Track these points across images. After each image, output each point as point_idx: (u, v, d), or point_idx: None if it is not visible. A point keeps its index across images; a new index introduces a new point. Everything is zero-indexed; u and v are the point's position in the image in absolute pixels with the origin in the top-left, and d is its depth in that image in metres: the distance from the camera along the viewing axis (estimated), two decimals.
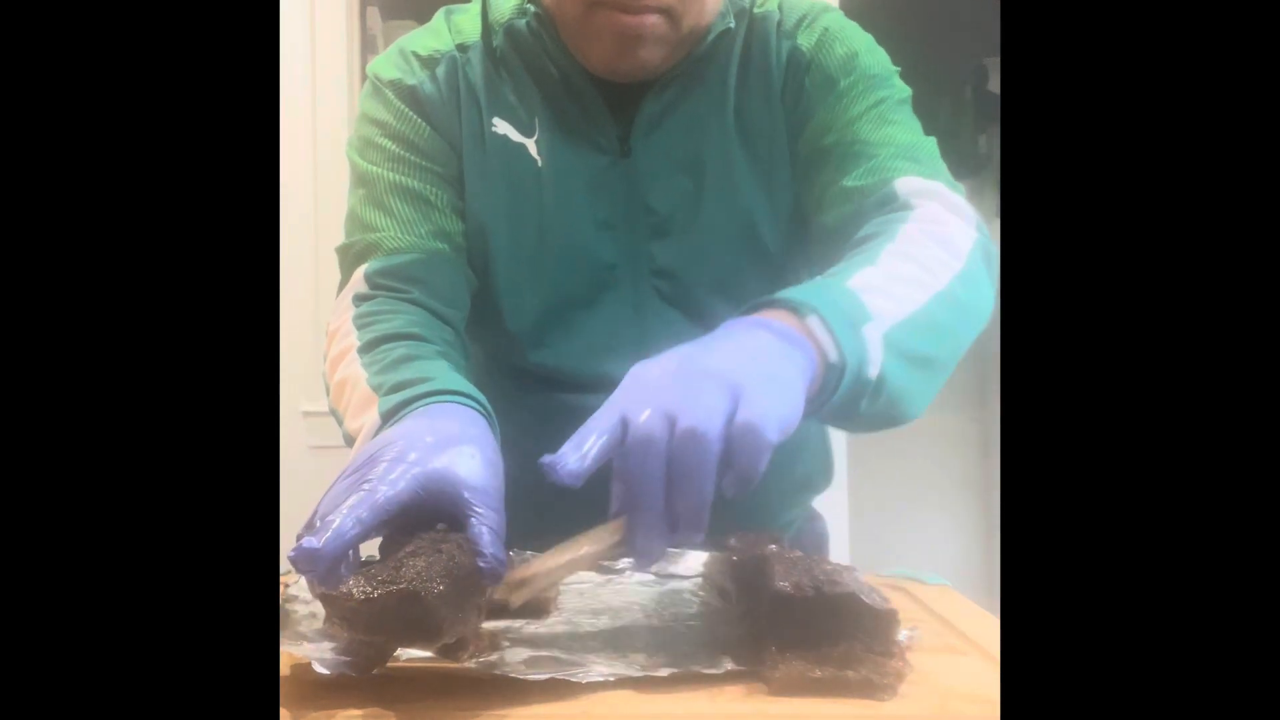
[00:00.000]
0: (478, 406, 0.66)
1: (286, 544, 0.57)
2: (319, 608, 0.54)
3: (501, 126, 0.84)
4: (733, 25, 0.84)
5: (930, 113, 2.84)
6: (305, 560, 0.50)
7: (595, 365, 0.84)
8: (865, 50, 0.84)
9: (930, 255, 0.69)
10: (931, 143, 0.82)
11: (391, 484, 0.54)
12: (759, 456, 0.53)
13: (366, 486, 0.54)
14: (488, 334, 0.89)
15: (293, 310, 1.89)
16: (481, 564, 0.52)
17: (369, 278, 0.81)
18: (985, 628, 0.62)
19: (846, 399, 0.61)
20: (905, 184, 0.76)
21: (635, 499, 0.53)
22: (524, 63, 0.85)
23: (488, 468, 0.58)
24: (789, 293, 0.62)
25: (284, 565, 0.70)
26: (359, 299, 0.80)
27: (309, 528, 0.53)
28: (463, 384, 0.68)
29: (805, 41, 0.84)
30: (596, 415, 0.55)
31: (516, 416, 0.81)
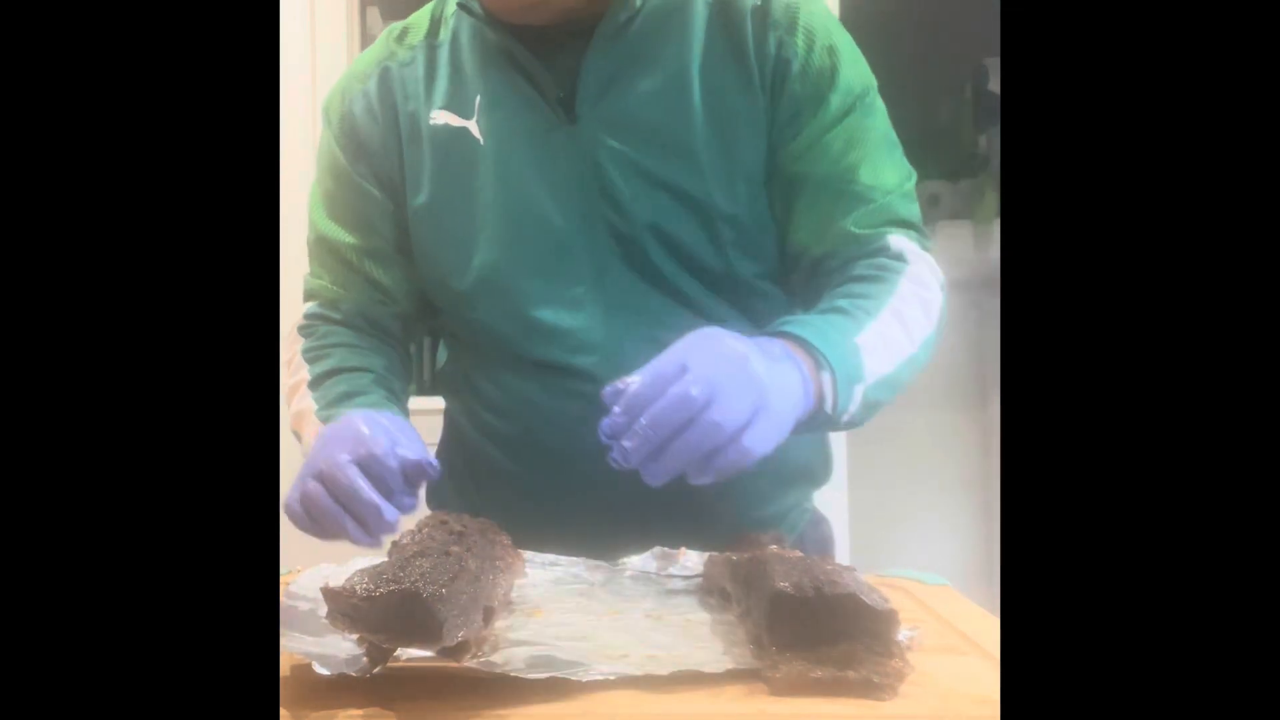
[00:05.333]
0: (391, 407, 0.83)
1: (286, 543, 0.57)
2: (320, 606, 0.54)
3: (441, 117, 0.87)
4: None
5: (930, 113, 2.84)
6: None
7: (551, 340, 0.85)
8: (848, 61, 0.85)
9: (914, 318, 0.81)
10: (912, 177, 0.88)
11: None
12: (733, 471, 0.63)
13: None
14: (461, 328, 0.91)
15: (293, 310, 1.89)
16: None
17: (308, 316, 0.94)
18: (985, 628, 0.62)
19: (808, 431, 0.73)
20: (897, 242, 0.84)
21: (645, 425, 0.61)
22: (469, 43, 0.87)
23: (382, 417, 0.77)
24: (817, 338, 0.73)
25: (284, 565, 0.70)
26: (303, 331, 0.93)
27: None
28: (383, 401, 0.84)
29: (798, 43, 0.84)
30: (658, 366, 0.64)
31: (486, 397, 0.87)
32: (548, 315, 0.85)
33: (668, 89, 0.83)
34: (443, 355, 1.01)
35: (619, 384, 0.63)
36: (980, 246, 2.38)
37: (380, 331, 0.92)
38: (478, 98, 0.86)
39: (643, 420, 0.61)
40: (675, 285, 0.85)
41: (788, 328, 0.73)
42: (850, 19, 1.74)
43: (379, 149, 0.89)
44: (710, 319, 0.83)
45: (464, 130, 0.86)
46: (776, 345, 0.71)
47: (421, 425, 1.08)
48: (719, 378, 0.62)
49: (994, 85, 2.50)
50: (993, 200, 2.38)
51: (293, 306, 2.09)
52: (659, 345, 0.78)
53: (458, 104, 0.86)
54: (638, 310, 0.85)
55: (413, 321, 0.95)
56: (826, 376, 0.72)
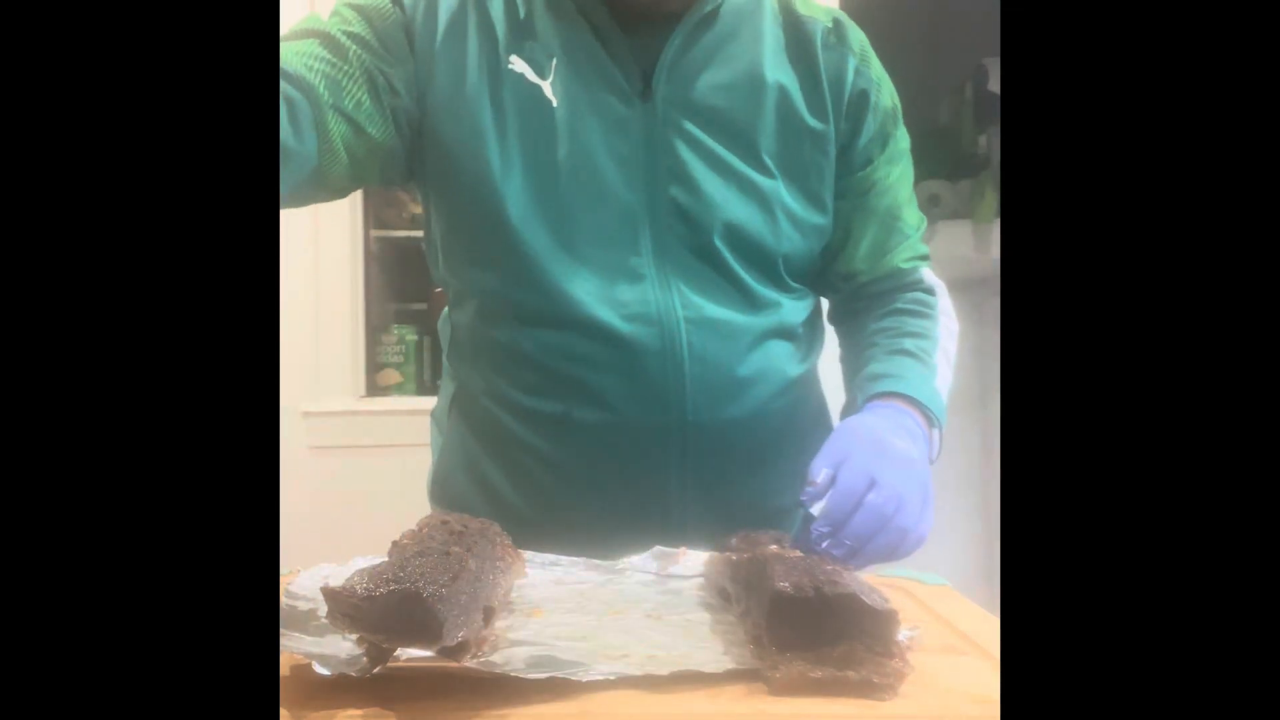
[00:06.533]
0: None
1: (286, 544, 0.57)
2: (319, 606, 0.54)
3: (518, 65, 0.86)
4: None
5: (930, 113, 2.83)
6: None
7: (608, 306, 0.85)
8: (899, 103, 0.95)
9: (950, 350, 0.95)
10: (925, 219, 1.01)
11: None
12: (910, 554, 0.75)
13: None
14: (490, 275, 0.88)
15: (293, 309, 1.89)
16: None
17: None
18: (985, 628, 0.62)
19: None
20: (928, 275, 0.97)
21: (847, 536, 0.71)
22: (546, 7, 0.88)
23: None
24: (927, 399, 0.85)
25: (284, 565, 0.70)
26: None
27: None
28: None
29: (874, 77, 0.92)
30: (850, 480, 0.72)
31: (521, 377, 0.87)
32: (604, 281, 0.85)
33: (741, 85, 0.88)
34: (445, 343, 1.01)
35: (810, 488, 0.73)
36: (980, 246, 2.38)
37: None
38: (553, 60, 0.86)
39: (845, 534, 0.71)
40: (729, 268, 0.88)
41: (904, 389, 0.85)
42: (850, 19, 1.73)
43: (432, 43, 0.85)
44: (755, 303, 0.89)
45: (538, 88, 0.86)
46: (909, 418, 0.83)
47: (423, 425, 1.08)
48: (903, 489, 0.73)
49: (994, 85, 2.50)
50: (993, 200, 2.38)
51: (293, 305, 2.08)
52: (709, 325, 0.86)
53: (535, 59, 0.87)
54: (692, 289, 0.87)
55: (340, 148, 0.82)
56: (935, 433, 0.85)
